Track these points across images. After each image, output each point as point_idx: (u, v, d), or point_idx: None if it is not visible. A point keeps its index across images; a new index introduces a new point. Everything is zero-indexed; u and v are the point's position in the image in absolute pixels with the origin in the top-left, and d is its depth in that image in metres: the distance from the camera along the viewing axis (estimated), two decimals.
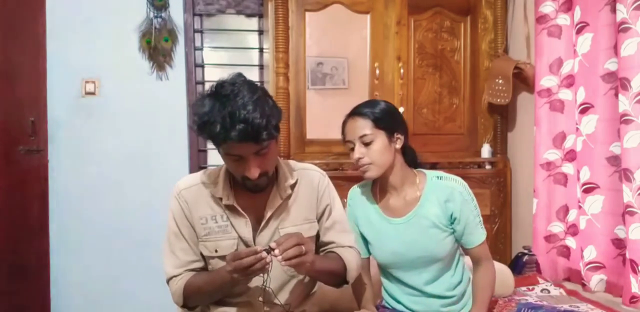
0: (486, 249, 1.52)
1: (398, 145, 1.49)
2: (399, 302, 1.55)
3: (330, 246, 1.42)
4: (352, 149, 1.47)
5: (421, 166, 1.57)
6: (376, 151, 1.44)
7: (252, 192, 1.29)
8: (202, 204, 1.32)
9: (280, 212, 1.34)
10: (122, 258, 2.80)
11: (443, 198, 1.46)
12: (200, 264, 1.34)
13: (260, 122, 1.13)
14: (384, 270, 1.58)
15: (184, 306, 1.33)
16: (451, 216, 1.46)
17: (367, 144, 1.44)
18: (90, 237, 2.79)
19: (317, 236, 1.42)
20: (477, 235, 1.49)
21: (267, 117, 1.15)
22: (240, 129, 1.12)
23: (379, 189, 1.56)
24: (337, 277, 1.37)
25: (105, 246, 2.80)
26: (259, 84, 1.32)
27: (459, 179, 1.50)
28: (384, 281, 1.60)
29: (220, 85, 1.19)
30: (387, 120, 1.46)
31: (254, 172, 1.20)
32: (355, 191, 1.61)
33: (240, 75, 1.24)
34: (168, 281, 1.33)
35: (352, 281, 1.40)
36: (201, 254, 1.34)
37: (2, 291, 2.33)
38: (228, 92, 1.16)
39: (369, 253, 1.59)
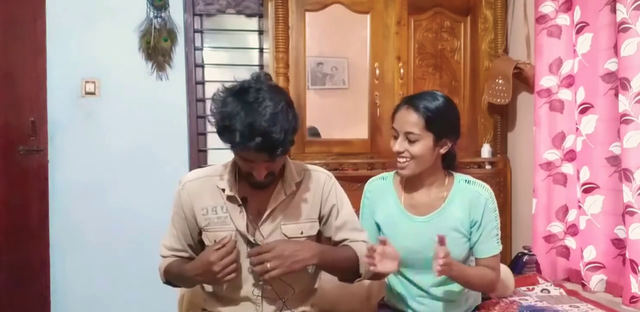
0: (497, 263, 1.47)
1: (442, 151, 1.44)
2: (402, 301, 1.54)
3: (344, 243, 1.43)
4: (395, 137, 1.44)
5: (454, 168, 1.54)
6: (418, 152, 1.40)
7: (254, 188, 1.34)
8: (205, 196, 1.36)
9: (284, 208, 1.36)
10: (122, 258, 2.80)
11: (467, 202, 1.44)
12: (185, 254, 1.41)
13: (278, 137, 1.15)
14: None
15: (167, 283, 1.45)
16: (473, 220, 1.44)
17: (411, 141, 1.41)
18: (90, 237, 2.79)
19: (318, 235, 1.43)
20: (490, 246, 1.45)
21: (284, 132, 1.16)
22: (257, 142, 1.14)
23: (404, 184, 1.53)
24: (349, 270, 1.38)
25: (105, 246, 2.79)
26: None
27: (486, 186, 1.47)
28: (391, 279, 1.58)
29: (245, 89, 1.19)
30: (440, 123, 1.40)
31: (260, 175, 1.25)
32: (375, 183, 1.58)
33: (265, 76, 1.25)
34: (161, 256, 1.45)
35: (365, 275, 1.40)
36: (200, 242, 1.41)
37: (2, 291, 2.33)
38: (252, 99, 1.16)
39: None
